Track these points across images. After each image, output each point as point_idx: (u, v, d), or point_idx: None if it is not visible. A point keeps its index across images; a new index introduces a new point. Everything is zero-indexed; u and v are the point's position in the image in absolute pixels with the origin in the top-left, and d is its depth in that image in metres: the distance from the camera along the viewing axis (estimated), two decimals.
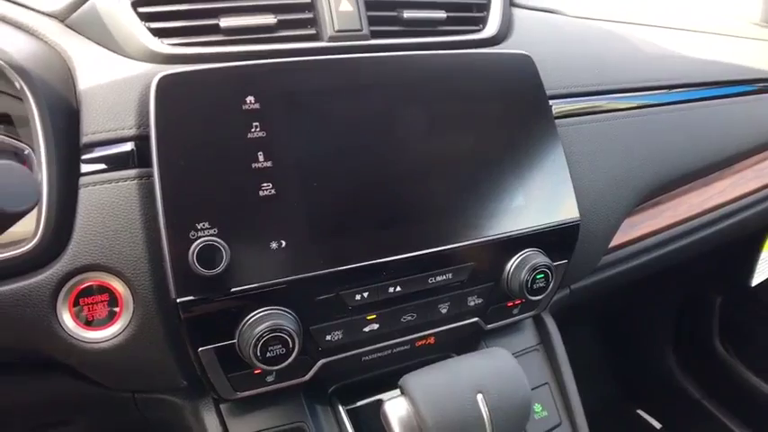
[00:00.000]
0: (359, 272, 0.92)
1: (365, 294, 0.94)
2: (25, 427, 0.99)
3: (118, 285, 0.87)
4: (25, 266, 0.83)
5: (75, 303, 0.86)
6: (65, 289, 0.85)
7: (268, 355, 0.86)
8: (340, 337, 0.95)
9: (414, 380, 0.83)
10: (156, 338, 0.88)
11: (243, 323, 0.87)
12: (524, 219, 1.04)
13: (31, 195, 0.71)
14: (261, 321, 0.86)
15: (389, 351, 1.03)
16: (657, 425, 2.39)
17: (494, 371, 0.84)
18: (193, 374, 0.93)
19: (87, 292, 0.86)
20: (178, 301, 0.82)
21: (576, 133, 1.19)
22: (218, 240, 0.82)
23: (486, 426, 0.80)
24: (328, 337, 0.94)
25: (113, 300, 0.87)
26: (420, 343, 1.05)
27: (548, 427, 1.13)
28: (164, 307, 0.87)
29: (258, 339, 0.84)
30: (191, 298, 0.83)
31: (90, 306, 0.86)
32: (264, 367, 0.86)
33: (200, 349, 0.86)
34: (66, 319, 0.86)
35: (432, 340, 1.03)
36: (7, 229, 0.72)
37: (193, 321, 0.84)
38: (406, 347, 1.04)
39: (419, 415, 0.79)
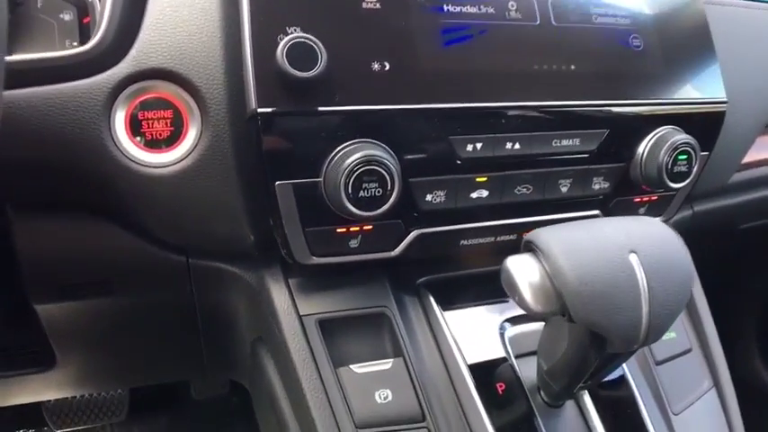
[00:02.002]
0: (475, 115, 0.76)
1: (478, 146, 0.77)
2: (55, 285, 0.83)
3: (185, 99, 0.72)
4: (83, 68, 0.69)
5: (134, 119, 0.70)
6: (123, 96, 0.70)
7: (361, 194, 0.69)
8: (442, 199, 0.78)
9: (548, 234, 0.64)
10: (224, 168, 0.72)
11: (332, 155, 0.70)
12: (666, 90, 0.87)
13: None
14: (355, 151, 0.69)
15: (492, 238, 0.86)
16: None
17: (647, 233, 0.65)
18: (262, 230, 0.77)
19: (148, 104, 0.71)
20: (259, 111, 0.67)
21: (729, 15, 1.01)
22: (314, 39, 0.66)
23: (642, 292, 0.61)
24: (429, 197, 0.77)
25: (178, 118, 0.72)
26: (524, 233, 0.86)
27: (675, 352, 0.93)
28: (238, 127, 0.71)
29: (351, 171, 0.68)
30: (273, 109, 0.67)
31: (150, 122, 0.71)
32: (354, 210, 0.69)
33: (277, 183, 0.70)
34: (121, 133, 0.70)
35: None
36: None
37: (273, 144, 0.68)
38: (511, 237, 0.87)
39: (557, 273, 0.61)
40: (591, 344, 0.65)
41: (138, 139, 0.71)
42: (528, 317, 0.82)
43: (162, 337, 1.02)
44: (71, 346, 0.98)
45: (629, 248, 0.63)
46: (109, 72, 0.69)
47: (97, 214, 0.78)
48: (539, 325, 0.82)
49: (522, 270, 0.64)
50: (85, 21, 0.75)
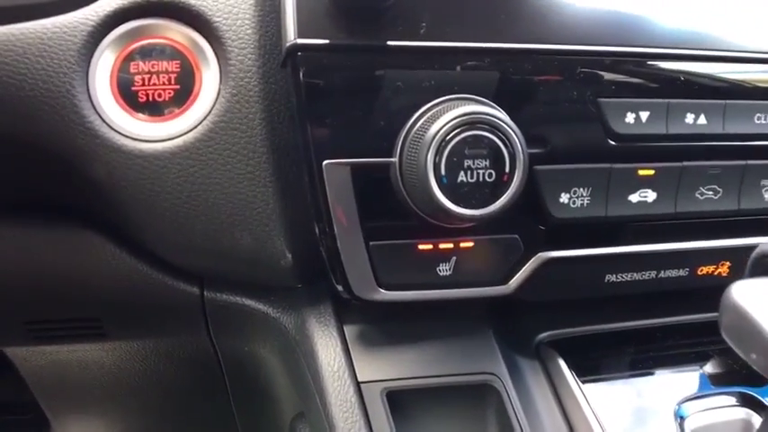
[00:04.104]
0: (640, 66, 0.52)
1: (643, 116, 0.51)
2: (21, 320, 0.61)
3: (198, 44, 0.50)
4: (63, 2, 0.49)
5: (123, 74, 0.50)
6: (108, 40, 0.50)
7: (461, 178, 0.42)
8: (585, 202, 0.52)
9: None
10: (250, 142, 0.50)
11: (413, 119, 0.45)
12: None
13: None
14: (451, 107, 0.43)
15: (653, 273, 0.59)
16: None
17: None
18: (303, 244, 0.54)
19: (145, 53, 0.50)
20: (299, 42, 0.43)
21: None
22: None
23: None
24: (564, 197, 0.51)
25: (187, 71, 0.50)
26: (705, 270, 0.61)
27: None
28: (271, 81, 0.48)
29: (446, 138, 0.42)
30: (321, 41, 0.43)
31: (147, 78, 0.50)
32: (450, 206, 0.44)
33: (325, 162, 0.45)
34: (103, 93, 0.50)
35: (726, 267, 0.61)
36: None
37: (319, 100, 0.47)
38: (681, 273, 0.59)
39: None
40: None
41: (128, 101, 0.49)
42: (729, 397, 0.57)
43: (179, 402, 0.78)
44: (64, 407, 0.79)
45: None
46: (92, 6, 0.49)
47: (75, 219, 0.57)
48: (746, 412, 0.51)
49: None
50: None
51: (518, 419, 0.56)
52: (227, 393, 0.75)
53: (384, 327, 0.58)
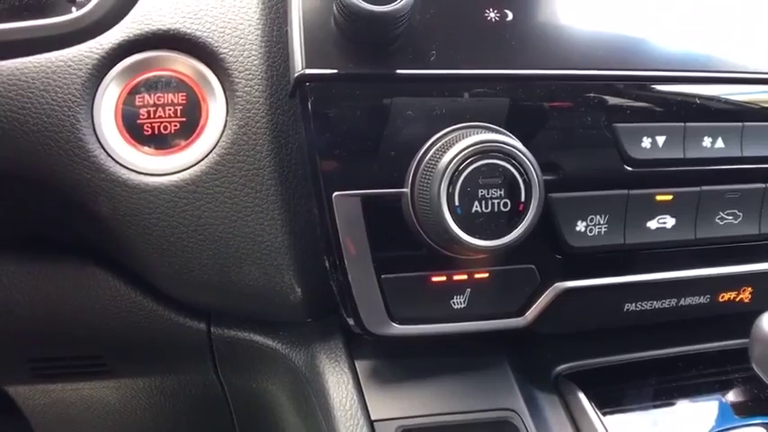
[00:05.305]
0: (654, 91, 0.50)
1: (660, 140, 0.50)
2: (23, 358, 0.59)
3: (204, 76, 0.49)
4: (64, 36, 0.49)
5: (128, 106, 0.49)
6: (114, 73, 0.49)
7: (475, 208, 0.41)
8: (603, 230, 0.50)
9: None
10: (257, 175, 0.49)
11: (425, 147, 0.44)
12: None
13: None
14: (465, 136, 0.42)
15: (673, 301, 0.56)
16: None
17: None
18: (313, 279, 0.52)
19: (151, 85, 0.49)
20: (307, 73, 0.42)
21: None
22: None
23: None
24: (581, 226, 0.49)
25: (193, 103, 0.49)
26: (727, 296, 0.59)
27: None
28: (279, 112, 0.47)
29: (460, 167, 0.41)
30: (329, 71, 0.42)
31: (152, 110, 0.48)
32: (464, 237, 0.42)
33: (335, 194, 0.44)
34: (108, 125, 0.49)
35: (748, 293, 0.59)
36: None
37: (328, 129, 0.45)
38: (703, 300, 0.57)
39: None
40: None
41: (133, 134, 0.48)
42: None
43: None
44: None
45: None
46: (97, 39, 0.48)
47: (80, 255, 0.54)
48: None
49: None
50: None
51: None
52: None
53: (397, 362, 0.55)
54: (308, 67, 0.43)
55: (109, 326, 0.58)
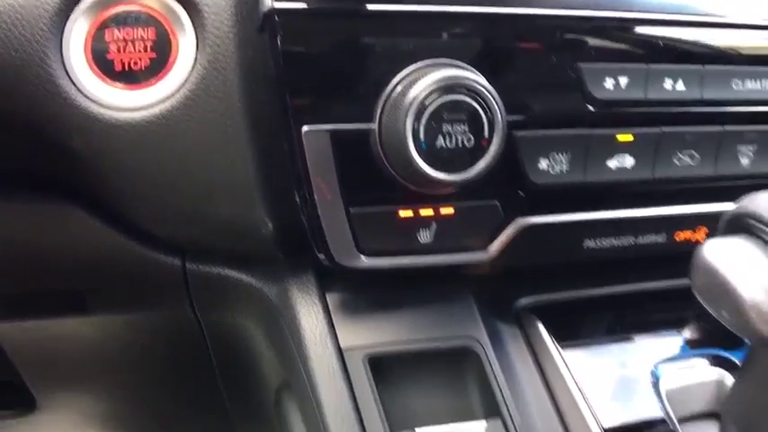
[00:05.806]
0: (620, 30, 0.52)
1: (623, 81, 0.51)
2: (4, 299, 0.61)
3: (173, 9, 0.49)
4: None
5: (97, 42, 0.48)
6: (82, 7, 0.48)
7: (439, 143, 0.42)
8: (565, 168, 0.52)
9: None
10: (228, 109, 0.49)
11: (393, 83, 0.45)
12: None
13: None
14: (430, 71, 0.43)
15: (631, 239, 0.59)
16: None
17: None
18: (284, 212, 0.53)
19: (120, 20, 0.48)
20: (276, 7, 0.42)
21: None
22: None
23: None
24: (544, 164, 0.51)
25: (163, 38, 0.49)
26: (683, 235, 0.61)
27: None
28: (248, 46, 0.47)
29: (425, 103, 0.42)
30: (298, 5, 0.42)
31: (122, 45, 0.48)
32: (428, 171, 0.44)
33: (305, 128, 0.45)
34: (78, 61, 0.48)
35: (703, 233, 0.61)
36: None
37: (297, 64, 0.46)
38: (659, 238, 0.59)
39: None
40: None
41: (104, 69, 0.48)
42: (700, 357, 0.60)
43: (164, 376, 0.77)
44: (50, 384, 0.77)
45: None
46: None
47: (55, 193, 0.55)
48: (719, 373, 0.52)
49: (743, 263, 0.35)
50: None
51: (498, 384, 0.55)
52: (212, 366, 0.74)
53: (366, 295, 0.57)
54: (277, 1, 0.44)
55: (85, 261, 0.59)
